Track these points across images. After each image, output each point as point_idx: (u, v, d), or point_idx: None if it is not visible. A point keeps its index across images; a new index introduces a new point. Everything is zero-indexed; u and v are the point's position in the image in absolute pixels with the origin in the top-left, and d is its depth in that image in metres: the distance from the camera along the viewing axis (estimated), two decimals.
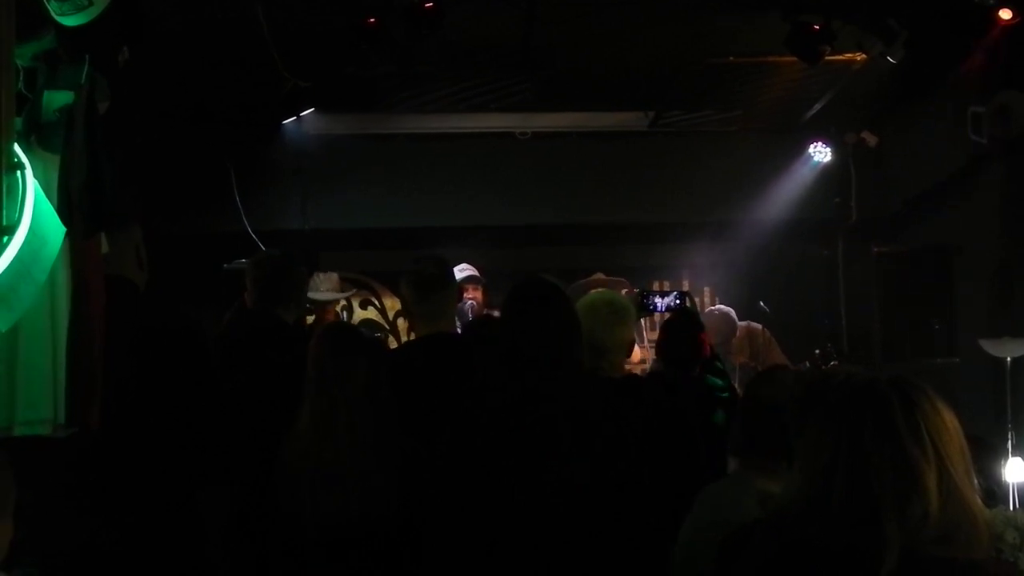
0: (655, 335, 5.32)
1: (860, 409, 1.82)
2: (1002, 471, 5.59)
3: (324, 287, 6.94)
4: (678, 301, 5.29)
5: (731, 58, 7.36)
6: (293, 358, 3.77)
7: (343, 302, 7.29)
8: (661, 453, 3.49)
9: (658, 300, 5.35)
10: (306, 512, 3.42)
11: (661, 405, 4.05)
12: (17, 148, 3.31)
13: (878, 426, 1.79)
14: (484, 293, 7.16)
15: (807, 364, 7.73)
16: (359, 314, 8.94)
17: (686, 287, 9.39)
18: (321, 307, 6.93)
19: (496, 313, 6.85)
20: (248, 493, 3.87)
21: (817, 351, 7.99)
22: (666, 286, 9.16)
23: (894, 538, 1.70)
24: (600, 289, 7.17)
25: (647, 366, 6.58)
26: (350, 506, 3.40)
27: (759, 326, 7.81)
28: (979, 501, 1.78)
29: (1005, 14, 5.88)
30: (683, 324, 4.75)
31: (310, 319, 6.74)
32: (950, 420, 1.81)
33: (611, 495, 3.14)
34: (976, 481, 1.82)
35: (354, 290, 7.35)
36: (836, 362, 7.80)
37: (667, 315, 5.24)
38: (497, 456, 3.17)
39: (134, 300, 4.04)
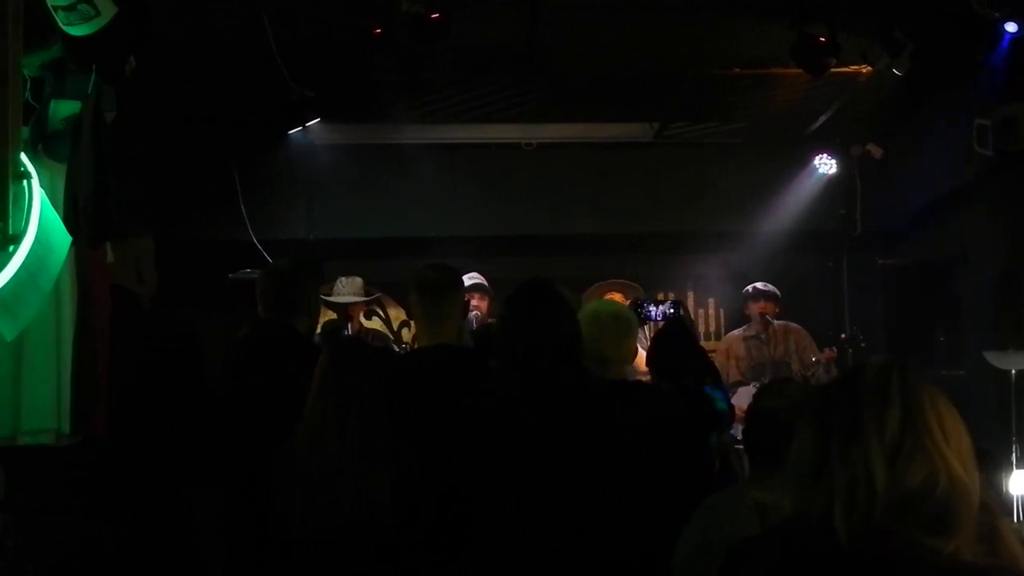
0: None
1: (835, 398, 1.80)
2: (1007, 483, 5.58)
3: (347, 291, 6.94)
4: (672, 310, 5.28)
5: (736, 69, 7.37)
6: (299, 367, 3.78)
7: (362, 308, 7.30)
8: (663, 456, 3.50)
9: (652, 309, 5.35)
10: (297, 514, 3.44)
11: (663, 409, 4.05)
12: (24, 157, 3.32)
13: (845, 405, 1.76)
14: (490, 303, 7.15)
15: (834, 349, 7.74)
16: (364, 324, 8.94)
17: (691, 298, 9.38)
18: (342, 309, 6.94)
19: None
20: (242, 496, 3.89)
21: (843, 335, 8.00)
22: (670, 297, 9.14)
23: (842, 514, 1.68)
24: (605, 298, 7.20)
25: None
26: (341, 509, 3.43)
27: (797, 325, 7.87)
28: (958, 470, 1.72)
29: (1011, 27, 5.88)
30: (673, 334, 4.74)
31: (327, 317, 6.72)
32: (930, 394, 1.76)
33: (611, 496, 3.15)
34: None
35: (379, 294, 7.34)
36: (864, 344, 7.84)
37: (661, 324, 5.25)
38: (496, 456, 3.18)
39: (133, 310, 4.04)
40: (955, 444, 1.72)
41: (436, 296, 4.01)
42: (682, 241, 8.94)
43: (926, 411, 1.73)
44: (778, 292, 7.82)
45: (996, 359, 6.53)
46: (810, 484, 1.75)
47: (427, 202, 8.62)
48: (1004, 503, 5.49)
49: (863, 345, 7.86)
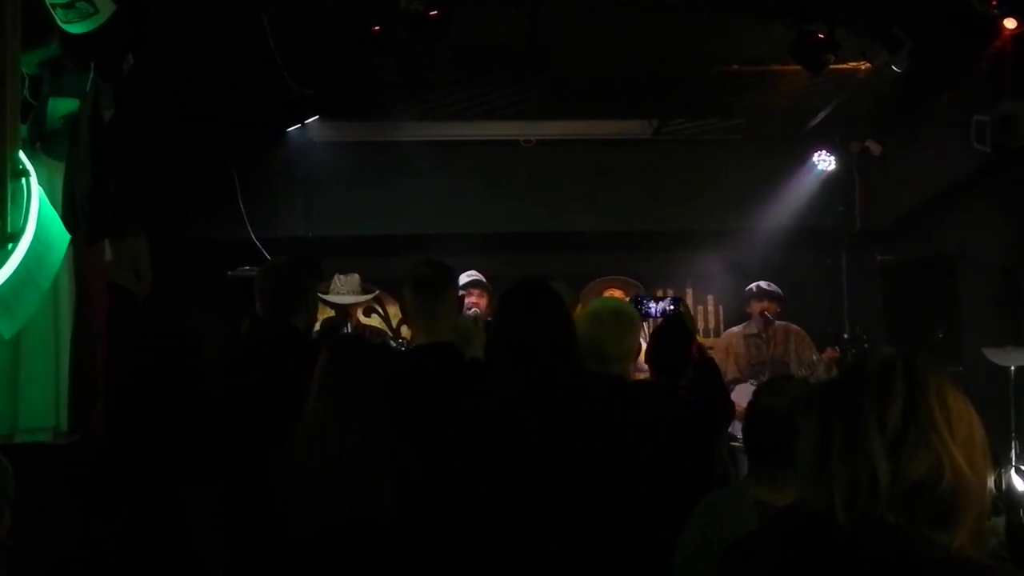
0: None
1: (836, 394, 1.78)
2: (1006, 482, 5.57)
3: (344, 289, 6.90)
4: (672, 307, 5.28)
5: (735, 66, 7.37)
6: (298, 365, 3.78)
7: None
8: (663, 456, 3.49)
9: (652, 305, 5.34)
10: (297, 515, 3.44)
11: (663, 409, 4.05)
12: (22, 155, 3.31)
13: (845, 402, 1.74)
14: (489, 300, 7.13)
15: (836, 349, 7.73)
16: (363, 321, 8.92)
17: (690, 295, 9.38)
18: (342, 309, 6.91)
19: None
20: (242, 495, 3.89)
21: (846, 335, 8.00)
22: (669, 294, 9.15)
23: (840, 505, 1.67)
24: (605, 295, 7.18)
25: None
26: (341, 509, 3.43)
27: (798, 327, 7.87)
28: (962, 464, 1.67)
29: (1010, 23, 5.87)
30: (671, 331, 4.73)
31: (326, 315, 6.69)
32: (937, 388, 1.72)
33: (611, 496, 3.15)
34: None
35: (377, 291, 7.32)
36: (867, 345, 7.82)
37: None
38: (496, 456, 3.18)
39: (130, 308, 4.03)
40: (961, 438, 1.69)
41: (432, 293, 4.00)
42: (681, 238, 8.94)
43: (931, 404, 1.70)
44: (780, 292, 7.81)
45: (995, 356, 6.53)
46: (813, 481, 1.74)
47: (426, 199, 8.61)
48: (1005, 500, 5.49)
49: (866, 346, 7.85)
